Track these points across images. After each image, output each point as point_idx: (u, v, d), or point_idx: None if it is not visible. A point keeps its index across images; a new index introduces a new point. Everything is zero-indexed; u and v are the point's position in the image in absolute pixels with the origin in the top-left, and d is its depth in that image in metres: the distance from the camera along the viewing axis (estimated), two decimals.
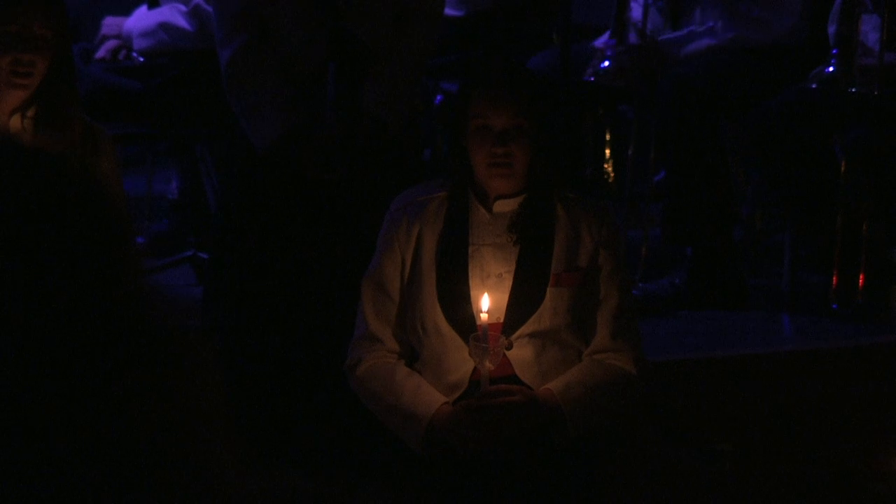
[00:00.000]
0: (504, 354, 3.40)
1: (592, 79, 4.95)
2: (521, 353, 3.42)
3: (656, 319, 4.65)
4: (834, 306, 4.74)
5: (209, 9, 4.67)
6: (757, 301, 4.88)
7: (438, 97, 5.45)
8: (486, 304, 3.35)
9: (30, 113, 3.67)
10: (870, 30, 4.74)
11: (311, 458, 3.86)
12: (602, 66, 4.93)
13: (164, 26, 4.98)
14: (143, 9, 5.10)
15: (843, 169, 4.71)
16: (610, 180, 5.45)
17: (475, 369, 3.38)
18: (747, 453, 4.22)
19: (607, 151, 5.48)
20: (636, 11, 5.02)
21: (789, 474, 4.25)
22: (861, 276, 4.71)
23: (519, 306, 3.43)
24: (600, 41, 4.99)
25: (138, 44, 5.02)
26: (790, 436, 4.28)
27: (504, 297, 3.42)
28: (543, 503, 3.38)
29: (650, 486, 4.11)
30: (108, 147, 3.74)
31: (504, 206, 3.48)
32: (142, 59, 5.02)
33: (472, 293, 3.41)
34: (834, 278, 4.74)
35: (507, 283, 3.44)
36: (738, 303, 4.83)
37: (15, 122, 3.67)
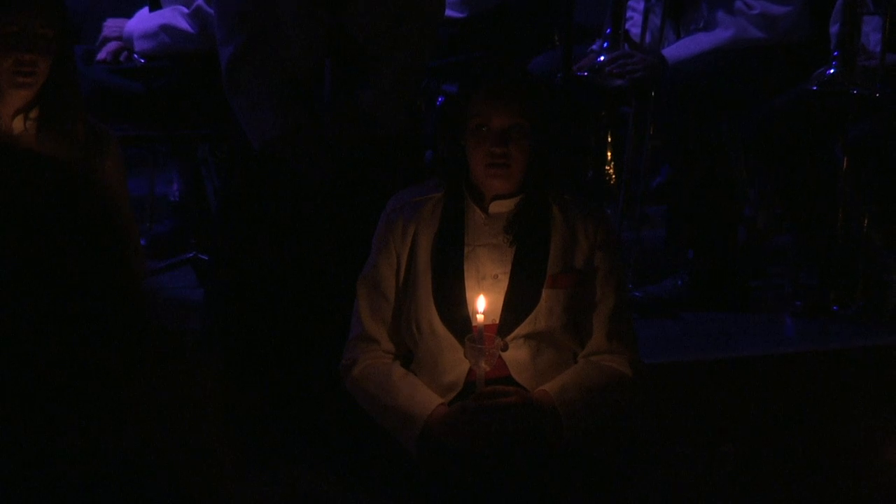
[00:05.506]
0: (499, 356, 3.39)
1: (586, 73, 4.90)
2: (516, 355, 3.42)
3: (658, 321, 4.66)
4: (834, 308, 4.74)
5: (211, 10, 4.66)
6: (758, 303, 4.88)
7: (440, 99, 5.45)
8: (481, 305, 3.34)
9: (32, 114, 3.67)
10: (871, 31, 4.75)
11: (310, 459, 3.86)
12: (598, 60, 4.89)
13: (166, 28, 4.96)
14: (144, 10, 5.08)
15: (843, 170, 4.71)
16: (612, 182, 5.43)
17: (470, 370, 3.38)
18: (749, 455, 4.21)
19: (609, 154, 5.47)
20: (634, 21, 5.00)
21: (791, 476, 4.25)
22: (861, 278, 4.71)
23: (514, 308, 3.42)
24: (597, 45, 4.98)
25: (140, 45, 5.01)
26: (792, 437, 4.28)
27: (500, 299, 3.41)
28: None
29: (652, 488, 4.10)
30: (112, 148, 3.73)
31: (500, 207, 3.48)
32: (143, 61, 5.01)
33: (468, 294, 3.41)
34: (834, 280, 4.74)
35: (503, 285, 3.43)
36: (739, 305, 4.83)
37: (18, 123, 3.66)
